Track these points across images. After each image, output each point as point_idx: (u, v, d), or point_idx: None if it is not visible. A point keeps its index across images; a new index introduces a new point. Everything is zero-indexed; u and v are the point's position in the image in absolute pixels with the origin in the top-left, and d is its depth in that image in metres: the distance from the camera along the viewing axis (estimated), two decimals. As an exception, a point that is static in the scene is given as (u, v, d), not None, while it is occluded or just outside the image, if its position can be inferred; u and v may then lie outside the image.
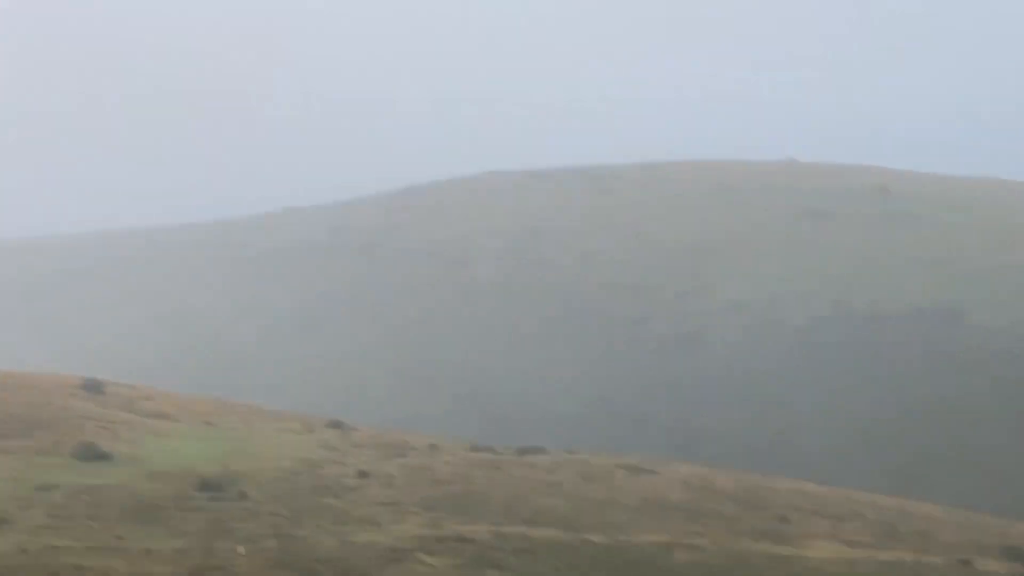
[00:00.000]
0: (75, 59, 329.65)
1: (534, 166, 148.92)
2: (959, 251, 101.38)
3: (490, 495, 30.10)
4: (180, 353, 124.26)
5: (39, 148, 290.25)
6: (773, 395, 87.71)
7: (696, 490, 33.07)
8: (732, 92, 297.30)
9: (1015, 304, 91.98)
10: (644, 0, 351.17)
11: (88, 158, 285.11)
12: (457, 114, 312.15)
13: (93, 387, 40.71)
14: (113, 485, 27.48)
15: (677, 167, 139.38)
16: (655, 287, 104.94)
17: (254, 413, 41.39)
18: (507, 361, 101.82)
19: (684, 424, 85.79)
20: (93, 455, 29.88)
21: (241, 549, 24.12)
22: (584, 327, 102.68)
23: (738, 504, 32.09)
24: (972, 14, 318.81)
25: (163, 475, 28.88)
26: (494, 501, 29.58)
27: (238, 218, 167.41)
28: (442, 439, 40.29)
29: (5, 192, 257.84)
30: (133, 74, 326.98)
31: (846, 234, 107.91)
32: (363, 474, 30.86)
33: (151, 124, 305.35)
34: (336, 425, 39.40)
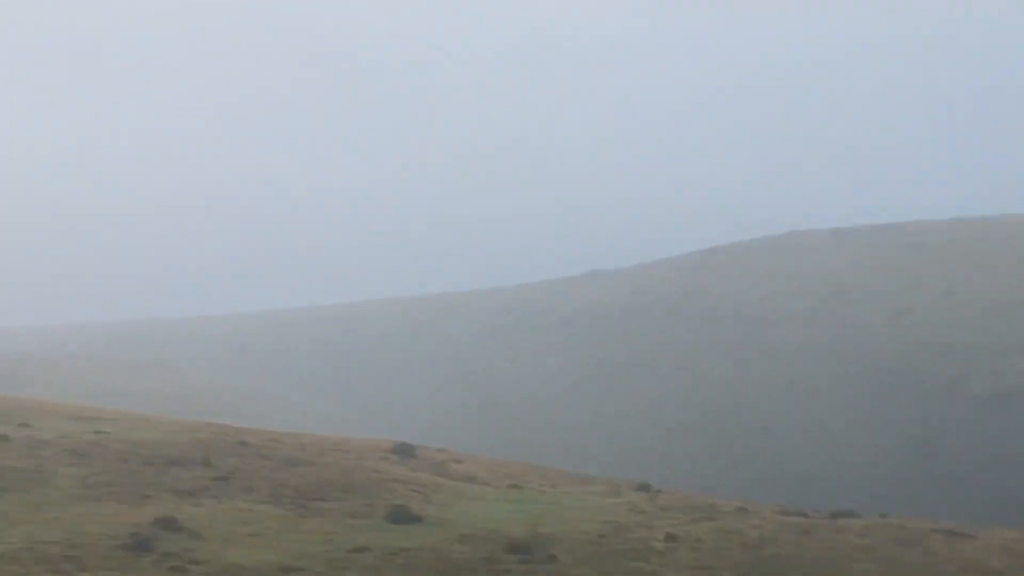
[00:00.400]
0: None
1: (839, 224, 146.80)
2: None
3: (801, 559, 29.44)
4: (484, 415, 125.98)
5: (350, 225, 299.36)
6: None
7: (1018, 556, 31.70)
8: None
9: None
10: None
11: (421, 229, 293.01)
12: (759, 173, 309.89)
13: (404, 451, 41.49)
14: (425, 547, 27.78)
15: (991, 222, 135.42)
16: (971, 345, 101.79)
17: (560, 476, 41.50)
18: (814, 423, 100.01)
19: (1004, 486, 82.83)
20: (405, 518, 30.28)
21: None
22: (896, 388, 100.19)
23: (1065, 571, 30.64)
24: None
25: (473, 538, 29.07)
26: (805, 566, 28.91)
27: (541, 282, 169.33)
28: (750, 502, 39.66)
29: (309, 266, 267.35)
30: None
31: None
32: (671, 537, 30.53)
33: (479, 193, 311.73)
34: (643, 488, 39.17)
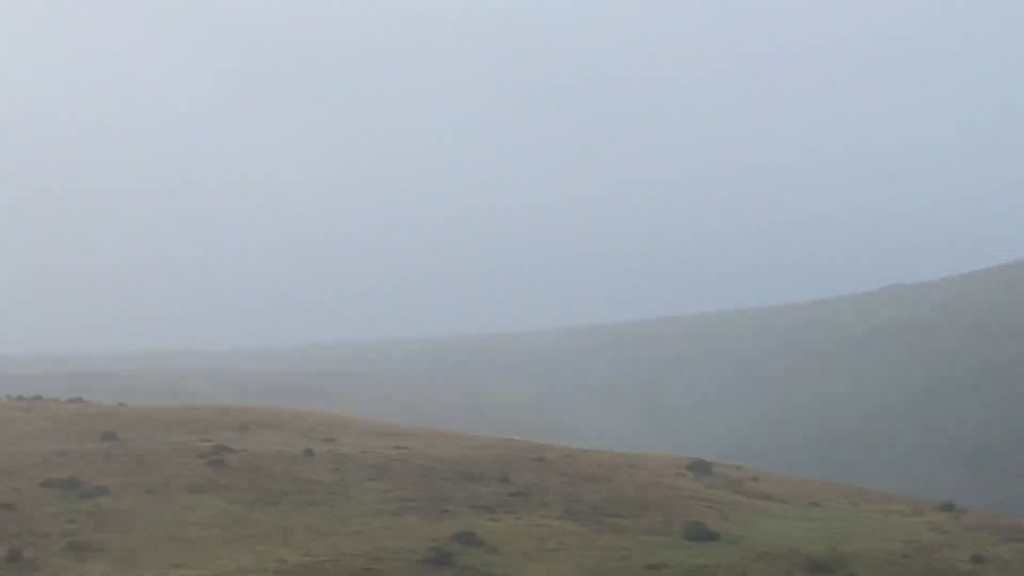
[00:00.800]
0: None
1: None
2: None
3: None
4: (780, 432, 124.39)
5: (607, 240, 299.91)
6: None
7: None
8: None
9: None
10: None
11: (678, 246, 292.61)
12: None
13: (701, 468, 41.25)
14: (723, 565, 27.55)
15: None
16: None
17: (859, 494, 40.67)
18: None
19: None
20: (702, 535, 30.06)
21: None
22: None
23: None
24: None
25: (771, 556, 28.70)
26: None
27: (839, 297, 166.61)
28: (1061, 524, 38.16)
29: (607, 283, 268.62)
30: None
31: None
32: (977, 559, 29.60)
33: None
34: (946, 507, 38.10)
